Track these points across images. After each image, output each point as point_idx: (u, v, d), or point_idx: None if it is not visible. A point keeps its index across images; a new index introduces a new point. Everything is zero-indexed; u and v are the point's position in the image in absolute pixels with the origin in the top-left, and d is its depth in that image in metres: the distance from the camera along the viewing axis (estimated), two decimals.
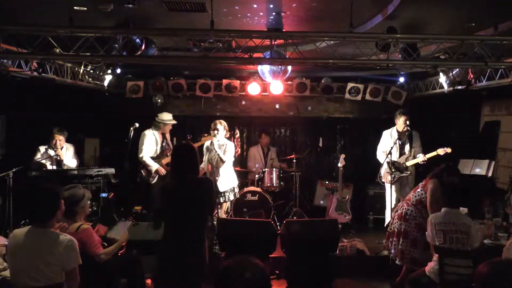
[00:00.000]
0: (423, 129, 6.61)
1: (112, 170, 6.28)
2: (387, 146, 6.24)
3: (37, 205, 3.04)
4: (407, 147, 6.36)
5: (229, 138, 6.58)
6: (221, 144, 6.17)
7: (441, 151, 6.01)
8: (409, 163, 6.26)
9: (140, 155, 6.32)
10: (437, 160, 6.04)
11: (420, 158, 6.12)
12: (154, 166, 6.34)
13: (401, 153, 6.37)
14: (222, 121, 6.22)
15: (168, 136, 6.73)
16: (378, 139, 6.78)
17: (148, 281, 4.63)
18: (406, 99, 7.97)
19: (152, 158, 6.40)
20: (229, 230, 5.05)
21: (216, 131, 6.09)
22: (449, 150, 5.99)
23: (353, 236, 6.34)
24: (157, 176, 6.40)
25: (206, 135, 6.24)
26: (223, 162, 6.11)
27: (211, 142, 6.10)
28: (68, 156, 6.37)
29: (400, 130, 6.31)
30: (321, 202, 7.85)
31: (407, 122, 6.23)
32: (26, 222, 5.09)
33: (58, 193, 3.12)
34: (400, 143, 6.35)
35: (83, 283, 3.10)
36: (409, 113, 6.29)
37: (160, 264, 3.45)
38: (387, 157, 6.13)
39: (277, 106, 8.47)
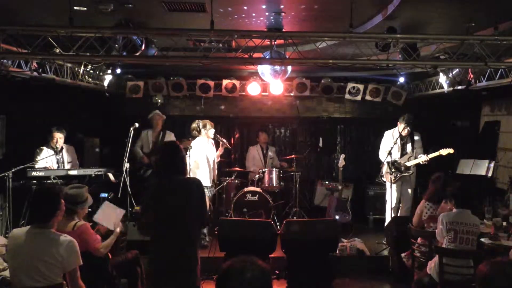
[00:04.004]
0: (423, 129, 6.62)
1: (112, 170, 6.28)
2: (389, 146, 6.25)
3: (37, 205, 3.04)
4: (408, 147, 6.39)
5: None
6: (211, 142, 6.34)
7: (443, 152, 6.04)
8: (410, 163, 6.26)
9: (134, 147, 6.95)
10: (439, 160, 6.08)
11: (423, 158, 6.15)
12: (138, 153, 7.03)
13: (403, 153, 6.39)
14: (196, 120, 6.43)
15: (171, 137, 7.04)
16: (378, 139, 6.79)
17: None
18: (406, 99, 7.98)
19: (145, 153, 7.04)
20: (229, 230, 5.05)
21: (204, 129, 6.23)
22: (451, 151, 6.03)
23: (353, 236, 6.35)
24: (149, 170, 6.93)
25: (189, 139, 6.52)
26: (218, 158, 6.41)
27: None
28: (67, 158, 6.37)
29: (401, 132, 6.33)
30: (321, 202, 7.85)
31: (408, 130, 6.27)
32: (26, 222, 5.09)
33: (58, 193, 3.12)
34: (401, 143, 6.37)
35: (84, 283, 3.10)
36: (413, 121, 6.32)
37: (152, 268, 3.31)
38: (387, 157, 6.14)
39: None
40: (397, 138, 6.29)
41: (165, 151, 3.51)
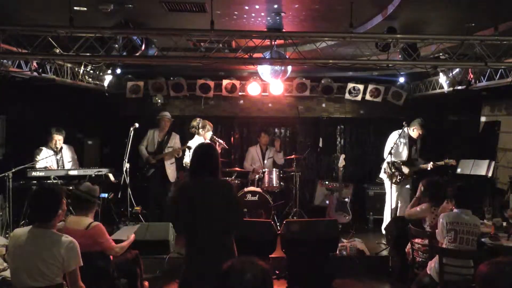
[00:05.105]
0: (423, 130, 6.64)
1: (112, 170, 6.29)
2: (394, 145, 6.31)
3: (38, 205, 3.03)
4: (413, 150, 6.50)
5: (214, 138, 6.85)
6: (208, 141, 6.38)
7: (448, 162, 6.24)
8: (416, 168, 6.37)
9: (139, 146, 7.03)
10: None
11: (430, 164, 6.27)
12: (144, 155, 7.01)
13: (410, 156, 6.50)
14: (198, 118, 6.59)
15: (177, 139, 7.14)
16: (378, 139, 6.81)
17: (146, 283, 4.61)
18: (406, 99, 7.98)
19: (149, 152, 7.01)
20: None
21: (202, 130, 6.33)
22: (454, 163, 6.30)
23: (353, 236, 6.34)
24: (152, 169, 6.90)
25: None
26: None
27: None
28: (67, 158, 6.37)
29: (412, 135, 6.44)
30: (321, 202, 7.85)
31: (420, 134, 6.41)
32: (26, 222, 5.10)
33: (60, 193, 3.11)
34: (409, 146, 6.49)
35: (86, 284, 3.10)
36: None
37: (187, 271, 3.21)
38: (387, 156, 6.17)
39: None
40: (398, 139, 6.32)
41: (198, 152, 3.45)
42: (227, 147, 6.93)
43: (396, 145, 6.29)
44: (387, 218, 6.67)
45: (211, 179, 3.28)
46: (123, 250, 3.93)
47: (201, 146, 3.58)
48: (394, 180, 6.27)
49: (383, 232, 6.77)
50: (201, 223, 3.18)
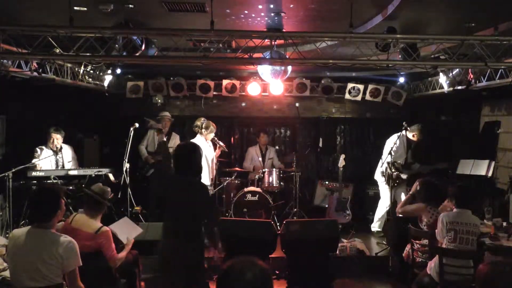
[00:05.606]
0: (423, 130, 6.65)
1: (111, 170, 6.29)
2: (394, 147, 6.32)
3: (38, 205, 3.03)
4: (409, 153, 6.60)
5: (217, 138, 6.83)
6: (210, 142, 6.43)
7: (441, 166, 6.49)
8: (411, 172, 6.43)
9: (139, 145, 7.11)
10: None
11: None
12: (143, 154, 7.10)
13: (406, 159, 6.57)
14: (202, 118, 6.56)
15: (177, 139, 7.14)
16: (378, 139, 6.82)
17: (142, 283, 4.60)
18: (406, 99, 7.98)
19: (149, 152, 7.09)
20: (229, 230, 5.04)
21: (205, 130, 6.29)
22: (446, 165, 6.62)
23: (353, 236, 6.35)
24: (151, 169, 7.00)
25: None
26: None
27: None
28: (67, 158, 6.37)
29: (411, 138, 6.54)
30: (321, 202, 7.85)
31: (419, 139, 6.51)
32: (26, 222, 5.09)
33: (59, 193, 3.11)
34: (406, 149, 6.57)
35: (87, 283, 3.09)
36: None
37: (159, 260, 3.57)
38: (386, 157, 6.17)
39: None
40: (397, 140, 6.35)
41: (177, 152, 3.70)
42: (227, 150, 6.91)
43: (395, 145, 6.29)
44: (377, 217, 6.72)
45: (186, 179, 3.56)
46: (122, 260, 3.89)
47: (180, 146, 3.80)
48: (392, 184, 6.28)
49: (372, 229, 6.81)
50: (173, 216, 3.54)
